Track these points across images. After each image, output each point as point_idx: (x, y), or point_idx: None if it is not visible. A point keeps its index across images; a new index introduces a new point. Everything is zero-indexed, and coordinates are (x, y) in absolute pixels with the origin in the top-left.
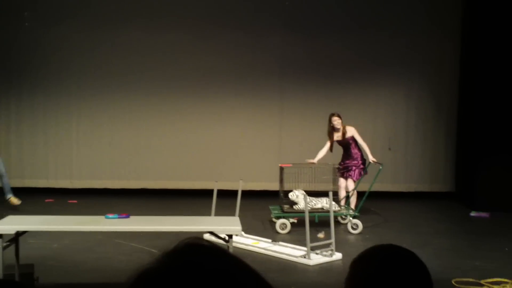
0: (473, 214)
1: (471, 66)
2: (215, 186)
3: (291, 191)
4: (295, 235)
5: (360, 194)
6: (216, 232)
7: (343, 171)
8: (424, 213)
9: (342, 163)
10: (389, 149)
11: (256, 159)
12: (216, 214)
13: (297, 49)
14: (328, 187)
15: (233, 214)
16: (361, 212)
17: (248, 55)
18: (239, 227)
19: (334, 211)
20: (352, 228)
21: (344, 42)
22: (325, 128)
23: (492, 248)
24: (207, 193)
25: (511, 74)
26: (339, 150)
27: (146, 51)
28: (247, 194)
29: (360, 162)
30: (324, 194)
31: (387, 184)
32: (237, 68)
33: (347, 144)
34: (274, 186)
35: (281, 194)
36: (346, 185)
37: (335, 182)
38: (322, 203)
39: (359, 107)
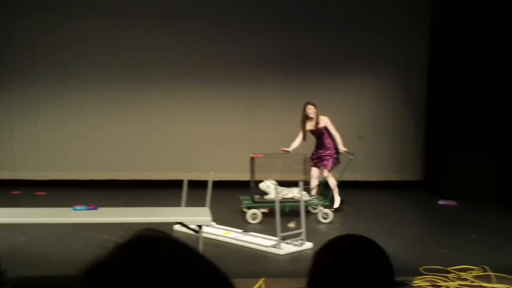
0: (441, 202)
1: (441, 56)
2: (185, 177)
3: (262, 181)
4: (266, 225)
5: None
6: (186, 223)
7: (316, 160)
8: (394, 202)
9: (315, 152)
10: (359, 139)
11: (227, 149)
12: (187, 205)
13: (269, 41)
14: (299, 177)
15: (203, 205)
16: (331, 201)
17: (219, 47)
18: (209, 218)
19: (305, 201)
20: (323, 217)
21: (315, 34)
22: (297, 118)
23: (459, 236)
24: (178, 184)
25: (480, 65)
26: (311, 140)
27: (116, 43)
28: (218, 184)
29: (333, 151)
30: (295, 184)
31: (357, 174)
32: (209, 60)
33: (320, 134)
34: (245, 176)
35: (252, 184)
36: (320, 175)
37: (306, 172)
38: (293, 193)
39: (330, 97)
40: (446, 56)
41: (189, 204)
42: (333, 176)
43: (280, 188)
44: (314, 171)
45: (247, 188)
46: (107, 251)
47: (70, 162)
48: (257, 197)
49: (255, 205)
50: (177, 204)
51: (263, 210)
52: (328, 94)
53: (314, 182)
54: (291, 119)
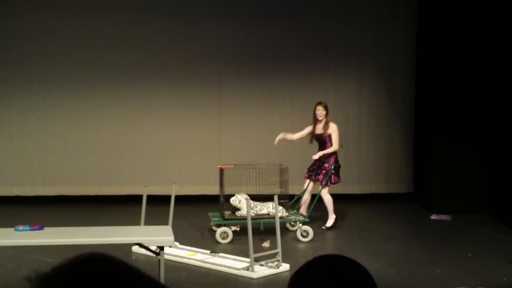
0: (433, 217)
1: (430, 56)
2: (145, 191)
3: (232, 195)
4: (238, 245)
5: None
6: (145, 244)
7: (311, 172)
8: (380, 216)
9: (313, 163)
10: (341, 146)
11: (192, 160)
12: (147, 223)
13: (238, 37)
14: (275, 190)
15: (165, 223)
16: (311, 217)
17: (182, 44)
18: (172, 238)
19: (281, 217)
20: (302, 235)
21: (290, 28)
22: (271, 123)
23: (454, 254)
24: (136, 199)
25: (475, 65)
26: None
27: (60, 42)
28: (182, 200)
29: (331, 166)
30: (270, 198)
31: (338, 186)
32: (169, 59)
33: (323, 141)
34: (213, 190)
35: (222, 199)
36: (320, 191)
37: (283, 185)
38: (268, 208)
39: (306, 99)
40: (435, 56)
41: (149, 222)
42: (329, 191)
43: (253, 203)
44: (308, 184)
45: (216, 203)
46: (43, 274)
47: (12, 176)
48: (227, 213)
49: (225, 222)
50: (135, 222)
51: (234, 228)
52: (305, 97)
53: (305, 197)
54: (265, 124)
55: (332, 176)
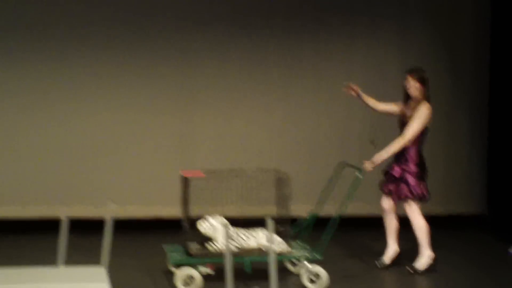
0: None
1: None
2: (64, 213)
3: (202, 218)
4: None
5: (322, 222)
6: None
7: (387, 182)
8: (436, 249)
9: (389, 166)
10: (372, 143)
11: (139, 166)
12: (69, 261)
13: None
14: (269, 210)
15: (98, 262)
16: (328, 252)
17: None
18: (106, 285)
19: (280, 254)
20: (310, 280)
21: None
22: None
23: None
24: (51, 225)
25: None
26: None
27: None
28: (124, 226)
29: (415, 169)
30: (260, 222)
31: (368, 205)
32: (102, 18)
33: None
34: (172, 211)
35: (186, 224)
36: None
37: (282, 202)
38: (257, 238)
39: (322, 75)
40: None
41: (72, 259)
42: (417, 210)
43: (235, 231)
44: (386, 201)
45: (176, 231)
46: None
47: None
48: (194, 246)
49: (190, 261)
50: (49, 260)
51: (204, 269)
52: (317, 71)
53: (389, 222)
54: (252, 111)
55: (411, 187)
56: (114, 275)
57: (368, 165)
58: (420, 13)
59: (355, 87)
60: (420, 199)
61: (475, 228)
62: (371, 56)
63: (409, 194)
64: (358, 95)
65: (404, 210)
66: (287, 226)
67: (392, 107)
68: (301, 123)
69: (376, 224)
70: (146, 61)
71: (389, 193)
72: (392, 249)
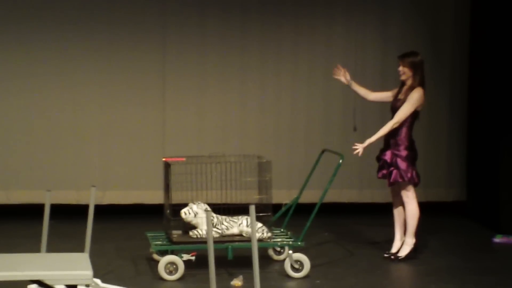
0: (497, 239)
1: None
2: (47, 198)
3: (185, 205)
4: (192, 284)
5: (302, 208)
6: (48, 282)
7: (380, 168)
8: (417, 235)
9: (381, 150)
10: (355, 129)
11: (121, 150)
12: (51, 248)
13: None
14: (251, 197)
15: (80, 249)
16: (307, 239)
17: None
18: (90, 272)
19: (261, 240)
20: (293, 268)
21: None
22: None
23: None
24: (33, 211)
25: None
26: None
27: None
28: (107, 212)
29: (405, 151)
30: (244, 210)
31: (351, 191)
32: (89, 6)
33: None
34: (154, 197)
35: (168, 211)
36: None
37: (264, 189)
38: (240, 225)
39: (300, 60)
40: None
41: (55, 246)
42: (414, 194)
43: (217, 218)
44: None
45: (159, 217)
46: None
47: None
48: (176, 233)
49: (172, 247)
50: (33, 247)
51: (186, 256)
52: (296, 55)
53: (397, 212)
54: (232, 95)
55: (401, 171)
56: (96, 262)
57: (357, 148)
58: None
59: (344, 71)
60: (411, 183)
61: (455, 215)
62: (351, 38)
63: (400, 178)
64: (348, 83)
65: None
66: (269, 213)
67: (384, 94)
68: (282, 108)
69: (358, 210)
70: (129, 48)
71: (383, 178)
72: (398, 239)
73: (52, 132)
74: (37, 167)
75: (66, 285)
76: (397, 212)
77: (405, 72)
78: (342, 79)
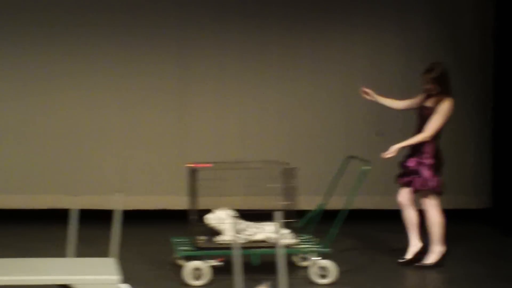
0: None
1: None
2: (74, 203)
3: (210, 210)
4: None
5: (329, 214)
6: (76, 286)
7: (403, 174)
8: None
9: (405, 159)
10: (378, 134)
11: (147, 156)
12: (77, 252)
13: None
14: (276, 203)
15: (101, 254)
16: (335, 245)
17: None
18: (116, 276)
19: (287, 246)
20: (318, 275)
21: None
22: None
23: None
24: (60, 216)
25: None
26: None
27: None
28: (132, 216)
29: (431, 160)
30: (268, 215)
31: (375, 197)
32: (107, 12)
33: (424, 121)
34: (174, 202)
35: (193, 217)
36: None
37: (289, 195)
38: (265, 230)
39: (327, 67)
40: None
41: (81, 251)
42: (437, 203)
43: (243, 224)
44: (403, 195)
45: (179, 222)
46: None
47: None
48: (201, 239)
49: (198, 253)
50: (59, 252)
51: (212, 262)
52: (319, 57)
53: (407, 216)
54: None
55: (425, 180)
56: (122, 267)
57: (386, 153)
58: (421, 4)
59: (370, 91)
60: (434, 192)
61: (480, 222)
62: (373, 46)
63: (423, 187)
64: (375, 99)
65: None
66: (294, 219)
67: (410, 102)
68: (307, 115)
69: (384, 217)
70: (147, 52)
71: (404, 185)
72: (413, 244)
73: (80, 138)
74: (64, 171)
75: None
76: (408, 215)
77: (432, 88)
78: (368, 97)
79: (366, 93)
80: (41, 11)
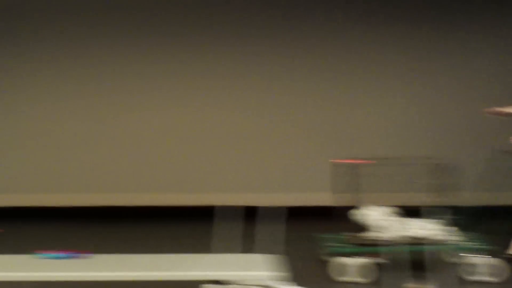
0: None
1: None
2: (217, 200)
3: (354, 207)
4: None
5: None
6: (239, 282)
7: None
8: None
9: None
10: None
11: (290, 154)
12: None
13: None
14: (424, 198)
15: (236, 250)
16: (499, 243)
17: None
18: (282, 273)
19: (441, 243)
20: (486, 273)
21: None
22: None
23: None
24: (205, 213)
25: None
26: None
27: None
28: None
29: None
30: (415, 212)
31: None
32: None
33: None
34: (319, 198)
35: (347, 213)
36: None
37: (445, 191)
38: (412, 228)
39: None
40: None
41: (231, 249)
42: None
43: (396, 220)
44: None
45: (326, 218)
46: None
47: (35, 179)
48: (352, 235)
49: (355, 250)
50: (206, 249)
51: (362, 260)
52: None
53: None
54: (410, 102)
55: None
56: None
57: None
58: None
59: (493, 111)
60: None
61: None
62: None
63: None
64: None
65: None
66: (448, 215)
67: None
68: (466, 109)
69: None
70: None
71: None
72: None
73: (222, 132)
74: (209, 165)
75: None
76: None
77: None
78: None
79: (492, 113)
80: (65, 18)
